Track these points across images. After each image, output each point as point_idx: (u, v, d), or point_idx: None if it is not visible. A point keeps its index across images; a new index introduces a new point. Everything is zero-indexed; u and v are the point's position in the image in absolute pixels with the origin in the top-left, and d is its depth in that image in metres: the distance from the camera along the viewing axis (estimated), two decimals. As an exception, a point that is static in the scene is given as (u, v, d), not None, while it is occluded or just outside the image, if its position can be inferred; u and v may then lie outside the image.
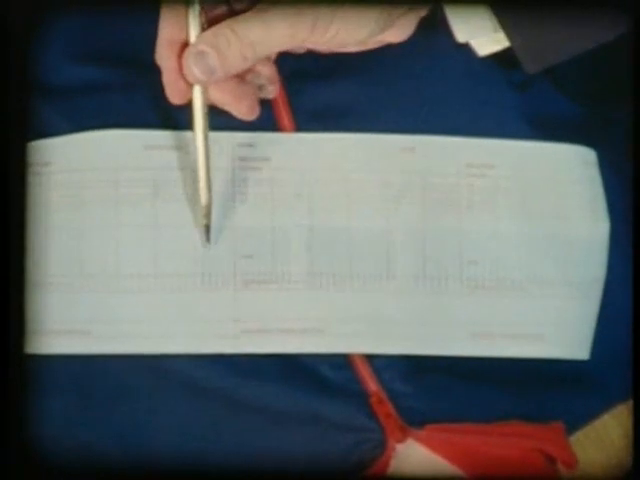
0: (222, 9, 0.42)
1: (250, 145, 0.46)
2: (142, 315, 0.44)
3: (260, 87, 0.44)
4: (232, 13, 0.41)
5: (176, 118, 0.46)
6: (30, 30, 0.46)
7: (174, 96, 0.42)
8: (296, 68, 0.47)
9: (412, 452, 0.46)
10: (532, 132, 0.48)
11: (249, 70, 0.42)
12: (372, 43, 0.42)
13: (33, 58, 0.47)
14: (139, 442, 0.45)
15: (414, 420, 0.46)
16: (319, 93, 0.47)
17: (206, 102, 0.42)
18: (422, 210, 0.46)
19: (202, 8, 0.41)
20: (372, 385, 0.45)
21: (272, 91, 0.44)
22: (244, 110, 0.43)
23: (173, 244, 0.45)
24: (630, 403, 0.48)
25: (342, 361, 0.46)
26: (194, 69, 0.41)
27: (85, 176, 0.45)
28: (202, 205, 0.44)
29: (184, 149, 0.45)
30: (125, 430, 0.45)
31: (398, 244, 0.46)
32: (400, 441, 0.45)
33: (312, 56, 0.46)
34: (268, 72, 0.43)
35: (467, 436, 0.46)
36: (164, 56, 0.42)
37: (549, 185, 0.47)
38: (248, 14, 0.40)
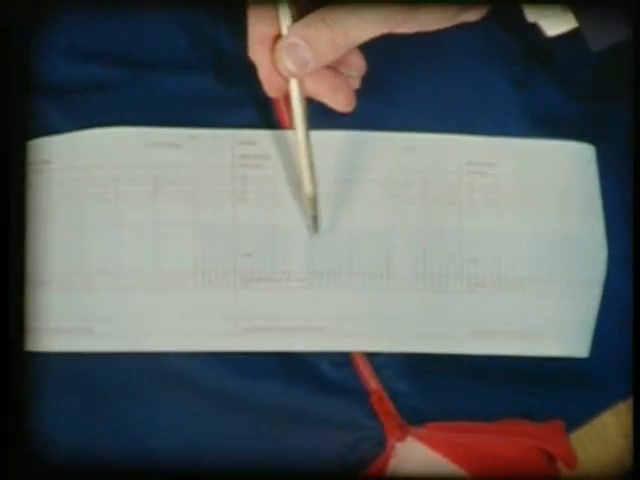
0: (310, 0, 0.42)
1: (251, 142, 0.46)
2: (143, 313, 0.44)
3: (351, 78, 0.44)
4: (321, 3, 0.41)
5: (177, 116, 0.46)
6: (30, 28, 0.46)
7: (271, 90, 0.43)
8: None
9: (412, 451, 0.46)
10: (532, 130, 0.48)
11: (342, 61, 0.42)
12: (452, 22, 0.42)
13: (33, 56, 0.47)
14: (139, 440, 0.45)
15: (414, 419, 0.46)
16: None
17: (303, 94, 0.43)
18: (423, 208, 0.46)
19: (291, 0, 0.41)
20: (372, 383, 0.45)
21: (358, 82, 0.44)
22: (341, 101, 0.43)
23: (174, 242, 0.45)
24: (630, 401, 0.48)
25: (342, 359, 0.46)
26: (287, 62, 0.41)
27: (85, 174, 0.45)
28: (308, 197, 0.44)
29: (185, 147, 0.45)
30: (126, 428, 0.45)
31: (398, 242, 0.46)
32: (400, 440, 0.45)
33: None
34: (358, 62, 0.43)
35: (467, 434, 0.46)
36: (257, 52, 0.42)
37: (550, 183, 0.47)
38: (338, 4, 0.40)
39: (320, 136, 0.46)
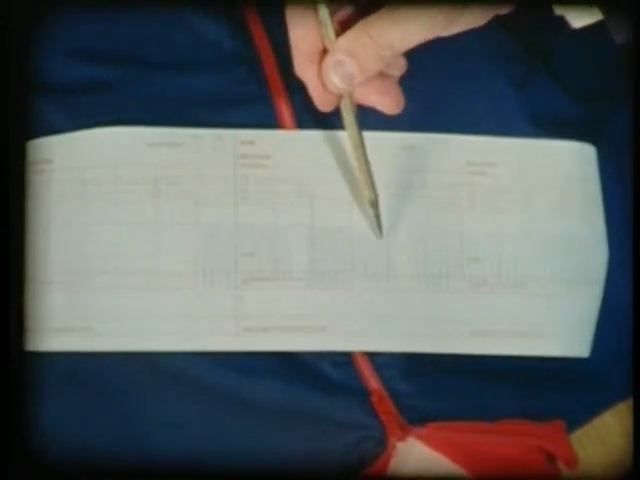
0: (349, 10, 0.42)
1: (251, 143, 0.46)
2: (143, 312, 0.44)
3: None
4: (359, 12, 0.42)
5: (178, 116, 0.46)
6: (31, 28, 0.46)
7: (323, 105, 0.44)
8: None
9: (413, 450, 0.46)
10: (533, 129, 0.48)
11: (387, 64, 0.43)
12: (488, 18, 0.42)
13: (33, 56, 0.47)
14: (140, 440, 0.45)
15: (415, 418, 0.46)
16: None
17: (354, 104, 0.43)
18: (423, 208, 0.46)
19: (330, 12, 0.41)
20: (373, 383, 0.45)
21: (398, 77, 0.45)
22: (390, 104, 0.44)
23: (174, 242, 0.45)
24: (630, 401, 0.48)
25: (343, 359, 0.45)
26: (334, 79, 0.42)
27: (86, 174, 0.45)
28: (369, 203, 0.45)
29: (186, 146, 0.45)
30: (126, 427, 0.45)
31: (399, 242, 0.46)
32: (401, 439, 0.45)
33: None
34: (399, 62, 0.44)
35: (468, 434, 0.46)
36: (304, 70, 0.43)
37: (550, 183, 0.47)
38: (380, 14, 0.40)
39: (320, 136, 0.46)
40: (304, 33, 0.42)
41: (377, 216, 0.45)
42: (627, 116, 0.47)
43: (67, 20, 0.47)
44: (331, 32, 0.41)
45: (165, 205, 0.45)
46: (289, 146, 0.46)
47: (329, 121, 0.46)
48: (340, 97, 0.43)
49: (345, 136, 0.45)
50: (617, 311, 0.48)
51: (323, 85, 0.42)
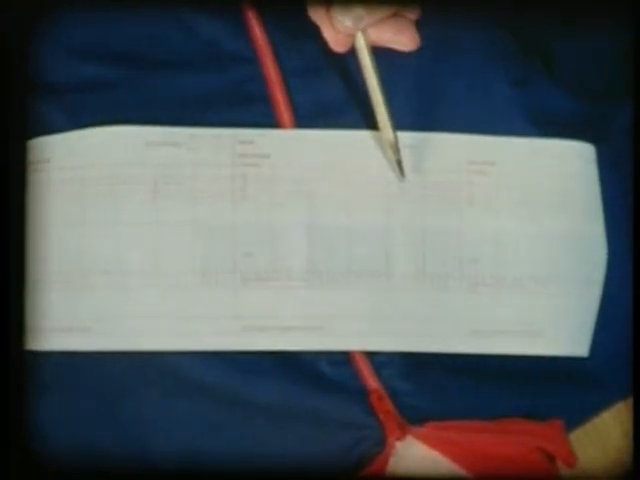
0: None
1: (250, 142, 0.46)
2: (142, 312, 0.44)
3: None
4: None
5: (177, 115, 0.46)
6: (30, 28, 0.46)
7: (337, 46, 0.44)
8: (296, 65, 0.47)
9: (411, 450, 0.46)
10: (532, 128, 0.48)
11: None
12: None
13: (33, 56, 0.47)
14: (139, 439, 0.45)
15: (414, 418, 0.46)
16: (319, 90, 0.47)
17: (368, 44, 0.43)
18: (422, 207, 0.46)
19: None
20: (372, 382, 0.45)
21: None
22: (406, 42, 0.44)
23: (174, 241, 0.45)
24: (630, 401, 0.48)
25: (342, 358, 0.45)
26: (343, 19, 0.42)
27: (85, 173, 0.45)
28: (390, 143, 0.45)
29: (185, 146, 0.45)
30: (125, 427, 0.45)
31: (398, 241, 0.46)
32: (400, 439, 0.45)
33: (313, 52, 0.46)
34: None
35: (467, 434, 0.46)
36: (316, 12, 0.43)
37: (550, 182, 0.47)
38: None
39: (321, 136, 0.46)
40: None
41: (398, 157, 0.45)
42: (627, 116, 0.47)
43: (67, 20, 0.47)
44: None
45: (164, 205, 0.45)
46: (288, 146, 0.46)
47: (328, 120, 0.46)
48: (353, 37, 0.43)
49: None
50: (617, 311, 0.48)
51: (333, 25, 0.43)
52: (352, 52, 0.44)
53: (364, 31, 0.43)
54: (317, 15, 0.43)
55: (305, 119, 0.46)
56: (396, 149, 0.45)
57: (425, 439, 0.46)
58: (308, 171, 0.46)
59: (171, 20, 0.48)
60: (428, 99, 0.47)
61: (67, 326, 0.44)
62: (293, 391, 0.45)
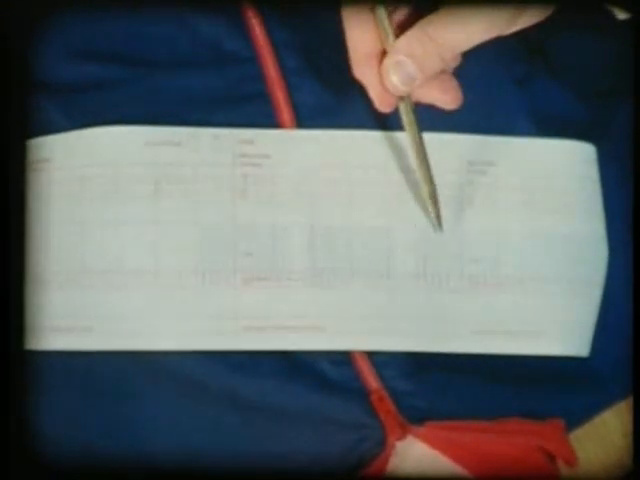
0: (406, 10, 0.42)
1: (250, 142, 0.46)
2: (143, 312, 0.44)
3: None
4: (417, 13, 0.41)
5: (177, 115, 0.46)
6: (30, 27, 0.46)
7: (383, 107, 0.43)
8: (297, 64, 0.47)
9: (412, 449, 0.46)
10: (533, 129, 0.48)
11: None
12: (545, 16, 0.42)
13: (33, 56, 0.47)
14: (139, 439, 0.45)
15: (414, 417, 0.46)
16: (320, 89, 0.47)
17: (412, 104, 0.43)
18: (423, 207, 0.46)
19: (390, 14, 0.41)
20: (373, 382, 0.45)
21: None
22: (451, 101, 0.44)
23: (174, 241, 0.45)
24: (630, 400, 0.48)
25: (343, 358, 0.45)
26: (394, 80, 0.41)
27: (85, 173, 0.45)
28: (431, 196, 0.45)
29: (185, 146, 0.45)
30: (125, 426, 0.45)
31: (399, 241, 0.46)
32: (400, 438, 0.45)
33: (313, 52, 0.46)
34: (457, 56, 0.43)
35: (467, 433, 0.46)
36: (363, 72, 0.42)
37: (550, 182, 0.47)
38: (439, 14, 0.40)
39: (321, 135, 0.46)
40: (362, 34, 0.42)
41: (437, 210, 0.45)
42: (628, 116, 0.47)
43: (67, 20, 0.47)
44: (390, 33, 0.41)
45: (164, 204, 0.45)
46: (288, 145, 0.46)
47: (328, 120, 0.46)
48: (400, 98, 0.43)
49: (404, 136, 0.45)
50: (617, 311, 0.48)
51: (383, 87, 0.42)
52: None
53: (410, 92, 0.43)
54: (363, 74, 0.43)
55: (305, 119, 0.46)
56: (435, 201, 0.45)
57: (426, 439, 0.46)
58: (308, 171, 0.46)
59: (171, 20, 0.48)
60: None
61: (67, 326, 0.44)
62: (293, 391, 0.45)
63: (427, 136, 0.46)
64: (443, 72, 0.43)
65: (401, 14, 0.42)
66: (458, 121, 0.47)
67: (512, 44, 0.49)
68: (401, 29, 0.41)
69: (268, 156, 0.46)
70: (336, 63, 0.47)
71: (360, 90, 0.46)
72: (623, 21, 0.42)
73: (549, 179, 0.47)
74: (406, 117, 0.44)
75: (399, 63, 0.41)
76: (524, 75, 0.49)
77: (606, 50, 0.48)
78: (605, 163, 0.49)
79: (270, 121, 0.46)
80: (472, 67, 0.47)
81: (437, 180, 0.46)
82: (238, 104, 0.46)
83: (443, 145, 0.47)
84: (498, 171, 0.47)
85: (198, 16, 0.47)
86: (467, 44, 0.41)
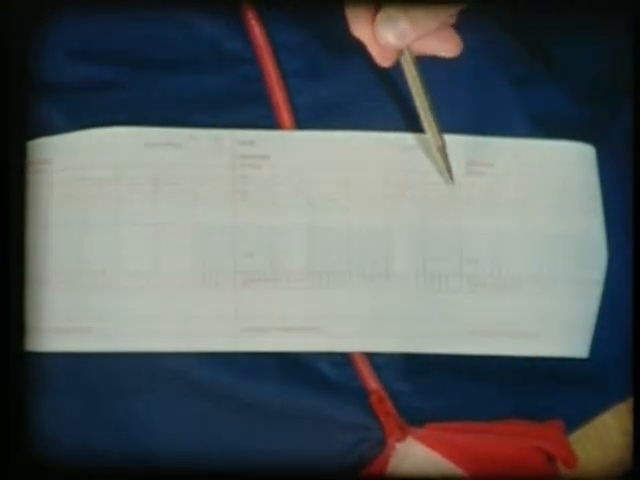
0: None
1: (250, 143, 0.46)
2: (142, 313, 0.44)
3: None
4: None
5: (177, 116, 0.46)
6: (31, 28, 0.46)
7: (383, 61, 0.43)
8: (297, 65, 0.47)
9: (412, 451, 0.46)
10: (532, 129, 0.48)
11: None
12: None
13: (33, 56, 0.47)
14: (139, 440, 0.45)
15: (414, 419, 0.46)
16: (319, 90, 0.47)
17: (413, 57, 0.43)
18: (422, 208, 0.46)
19: None
20: (372, 383, 0.45)
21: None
22: (451, 49, 0.44)
23: (174, 242, 0.45)
24: (630, 402, 0.48)
25: (342, 359, 0.45)
26: (387, 35, 0.41)
27: (86, 174, 0.45)
28: (439, 148, 0.45)
29: (185, 147, 0.45)
30: (125, 428, 0.45)
31: (398, 242, 0.46)
32: (400, 440, 0.45)
33: (313, 53, 0.46)
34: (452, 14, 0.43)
35: (467, 435, 0.46)
36: (359, 29, 0.42)
37: (549, 183, 0.47)
38: None
39: (321, 136, 0.46)
40: None
41: (446, 162, 0.45)
42: (627, 116, 0.47)
43: (67, 20, 0.47)
44: None
45: (164, 205, 0.45)
46: (288, 146, 0.46)
47: (328, 121, 0.46)
48: (399, 51, 0.43)
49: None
50: (616, 311, 0.48)
51: (377, 41, 0.42)
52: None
53: (410, 45, 0.43)
54: (361, 32, 0.43)
55: (305, 120, 0.46)
56: (444, 155, 0.45)
57: (425, 440, 0.46)
58: (308, 172, 0.46)
59: (171, 20, 0.48)
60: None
61: (67, 327, 0.44)
62: (293, 392, 0.45)
63: (427, 137, 0.47)
64: (440, 25, 0.43)
65: None
66: (457, 122, 0.47)
67: (510, 45, 0.49)
68: None
69: (268, 157, 0.46)
70: (336, 63, 0.47)
71: (360, 90, 0.46)
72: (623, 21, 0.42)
73: (548, 180, 0.47)
74: (408, 70, 0.44)
75: (392, 18, 0.41)
76: (523, 76, 0.49)
77: (606, 51, 0.47)
78: (604, 164, 0.49)
79: (270, 122, 0.46)
80: (471, 68, 0.47)
81: (436, 180, 0.46)
82: (238, 105, 0.46)
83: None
84: (497, 172, 0.47)
85: (198, 17, 0.47)
86: (462, 3, 0.41)
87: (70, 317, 0.44)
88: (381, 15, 0.41)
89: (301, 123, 0.46)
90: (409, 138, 0.47)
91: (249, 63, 0.47)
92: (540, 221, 0.47)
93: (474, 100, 0.48)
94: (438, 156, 0.45)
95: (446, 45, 0.44)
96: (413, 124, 0.47)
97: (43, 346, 0.45)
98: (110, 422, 0.45)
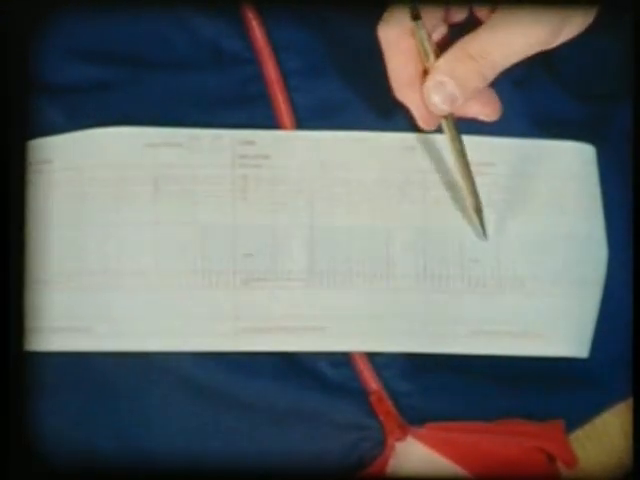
0: (445, 29, 0.43)
1: (250, 143, 0.46)
2: (142, 313, 0.44)
3: None
4: (454, 30, 0.42)
5: (177, 116, 0.46)
6: (31, 28, 0.46)
7: (426, 125, 0.44)
8: (297, 65, 0.47)
9: (412, 450, 0.46)
10: (532, 129, 0.48)
11: None
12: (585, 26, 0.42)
13: (34, 56, 0.47)
14: (139, 440, 0.45)
15: (414, 418, 0.46)
16: (320, 90, 0.47)
17: (455, 120, 0.43)
18: (423, 208, 0.46)
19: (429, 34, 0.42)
20: (372, 383, 0.45)
21: None
22: (492, 113, 0.44)
23: (174, 242, 0.45)
24: (630, 401, 0.48)
25: (342, 359, 0.46)
26: (436, 100, 0.42)
27: (86, 174, 0.45)
28: (476, 209, 0.45)
29: (185, 147, 0.45)
30: (125, 427, 0.45)
31: (399, 242, 0.46)
32: (400, 439, 0.45)
33: (313, 53, 0.46)
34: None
35: (467, 434, 0.46)
36: (406, 93, 0.43)
37: (550, 183, 0.47)
38: (479, 32, 0.40)
39: (321, 136, 0.46)
40: (402, 56, 0.42)
41: (482, 222, 0.45)
42: (627, 116, 0.47)
43: (67, 20, 0.47)
44: (430, 52, 0.42)
45: (164, 205, 0.45)
46: (288, 146, 0.46)
47: (328, 121, 0.46)
48: (443, 116, 0.43)
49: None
50: (617, 311, 0.48)
51: (425, 107, 0.42)
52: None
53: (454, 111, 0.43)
54: (406, 96, 0.43)
55: (305, 120, 0.46)
56: (481, 216, 0.45)
57: (425, 440, 0.46)
58: (308, 172, 0.46)
59: (171, 20, 0.48)
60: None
61: (67, 326, 0.45)
62: (293, 392, 0.45)
63: (427, 137, 0.47)
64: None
65: (440, 33, 0.43)
66: (458, 122, 0.47)
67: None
68: (441, 48, 0.42)
69: (268, 157, 0.46)
70: (336, 63, 0.47)
71: (360, 90, 0.46)
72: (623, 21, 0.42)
73: (548, 180, 0.47)
74: (449, 133, 0.44)
75: (441, 84, 0.41)
76: (523, 76, 0.49)
77: (605, 51, 0.47)
78: (604, 164, 0.49)
79: (270, 122, 0.46)
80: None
81: (437, 180, 0.46)
82: (238, 105, 0.46)
83: (443, 146, 0.47)
84: (497, 172, 0.47)
85: (198, 17, 0.47)
86: (509, 61, 0.41)
87: (70, 317, 0.44)
88: (429, 81, 0.41)
89: (301, 123, 0.47)
90: (409, 138, 0.47)
91: (249, 63, 0.47)
92: (540, 221, 0.47)
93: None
94: (474, 215, 0.45)
95: (487, 109, 0.44)
96: (413, 124, 0.47)
97: (43, 346, 0.45)
98: (110, 422, 0.45)
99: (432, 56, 0.42)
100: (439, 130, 0.46)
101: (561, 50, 0.49)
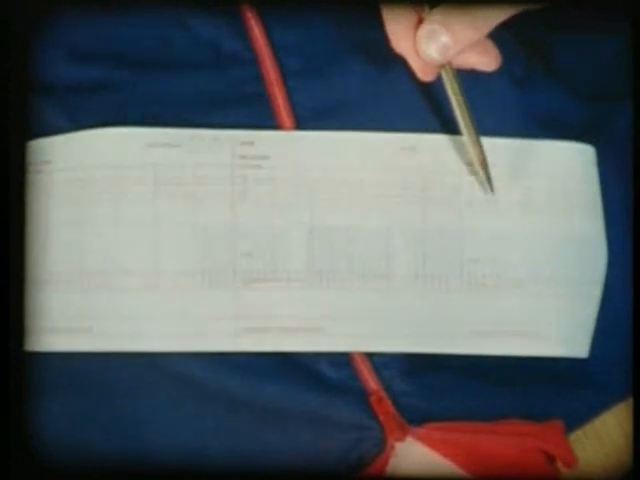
0: None
1: (250, 143, 0.46)
2: (142, 313, 0.44)
3: None
4: None
5: (177, 116, 0.46)
6: (30, 29, 0.46)
7: (425, 76, 0.44)
8: (296, 65, 0.47)
9: (412, 451, 0.46)
10: (532, 130, 0.48)
11: None
12: None
13: (33, 56, 0.47)
14: (139, 440, 0.45)
15: (414, 418, 0.46)
16: (319, 91, 0.47)
17: (454, 71, 0.43)
18: (422, 208, 0.46)
19: None
20: (372, 383, 0.45)
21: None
22: (490, 63, 0.44)
23: (173, 242, 0.45)
24: (630, 401, 0.48)
25: (342, 359, 0.46)
26: (429, 50, 0.42)
27: (85, 174, 0.45)
28: (479, 161, 0.45)
29: (185, 147, 0.45)
30: (125, 428, 0.45)
31: (398, 242, 0.46)
32: (400, 440, 0.45)
33: (313, 53, 0.46)
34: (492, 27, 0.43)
35: (467, 434, 0.46)
36: (401, 43, 0.43)
37: (550, 183, 0.47)
38: None
39: (321, 136, 0.46)
40: (398, 6, 0.42)
41: (488, 175, 0.45)
42: (627, 117, 0.47)
43: (67, 21, 0.47)
44: (426, 4, 0.41)
45: (164, 206, 0.45)
46: (288, 147, 0.46)
47: (328, 121, 0.46)
48: (441, 66, 0.43)
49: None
50: (617, 311, 0.48)
51: (419, 56, 0.42)
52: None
53: (451, 60, 0.43)
54: (402, 46, 0.43)
55: (305, 120, 0.46)
56: (486, 166, 0.45)
57: (425, 440, 0.46)
58: (308, 172, 0.46)
59: (171, 21, 0.48)
60: (428, 100, 0.47)
61: (67, 327, 0.44)
62: (293, 392, 0.45)
63: (427, 137, 0.47)
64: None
65: None
66: (457, 122, 0.47)
67: (511, 45, 0.49)
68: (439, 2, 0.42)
69: (267, 157, 0.46)
70: (336, 62, 0.47)
71: (359, 90, 0.46)
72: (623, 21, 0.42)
73: (548, 180, 0.47)
74: (449, 84, 0.44)
75: (433, 32, 0.41)
76: (523, 76, 0.49)
77: (606, 51, 0.47)
78: (605, 164, 0.49)
79: (270, 122, 0.46)
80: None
81: (436, 180, 0.46)
82: (238, 105, 0.46)
83: (443, 146, 0.47)
84: (497, 172, 0.47)
85: (197, 17, 0.47)
86: (502, 15, 0.40)
87: (70, 317, 0.44)
88: (422, 30, 0.41)
89: (301, 123, 0.46)
90: (409, 138, 0.47)
91: (249, 63, 0.47)
92: (540, 221, 0.47)
93: (474, 100, 0.48)
94: (478, 166, 0.45)
95: (485, 58, 0.44)
96: (413, 124, 0.47)
97: (43, 346, 0.45)
98: (110, 422, 0.45)
99: (427, 7, 0.42)
100: (439, 128, 0.46)
101: (561, 50, 0.49)
